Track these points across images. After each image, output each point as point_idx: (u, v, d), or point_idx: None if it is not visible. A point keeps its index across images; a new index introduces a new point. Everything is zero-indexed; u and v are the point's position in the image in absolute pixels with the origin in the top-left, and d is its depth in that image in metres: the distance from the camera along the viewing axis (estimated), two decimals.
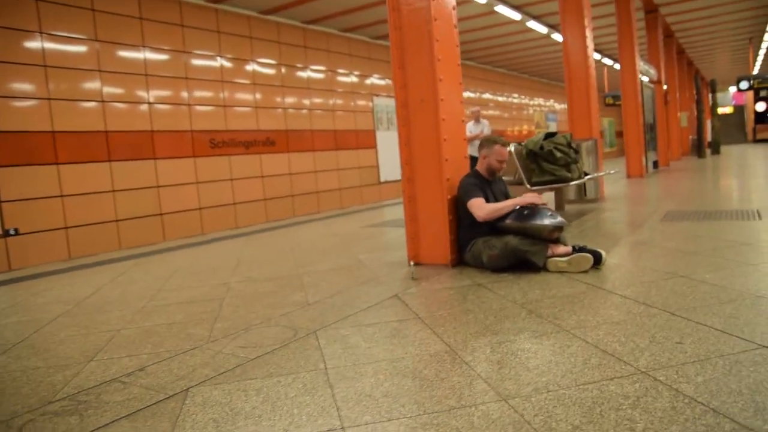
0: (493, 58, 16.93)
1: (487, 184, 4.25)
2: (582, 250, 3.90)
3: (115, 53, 7.95)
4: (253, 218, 9.87)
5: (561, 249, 3.93)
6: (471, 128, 10.47)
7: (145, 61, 8.30)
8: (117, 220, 7.99)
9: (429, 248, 4.39)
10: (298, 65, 10.88)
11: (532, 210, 3.97)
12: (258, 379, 2.40)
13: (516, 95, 20.31)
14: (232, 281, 4.46)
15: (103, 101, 7.81)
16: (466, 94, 16.66)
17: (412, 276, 4.01)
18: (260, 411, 2.08)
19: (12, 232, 6.94)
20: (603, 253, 3.87)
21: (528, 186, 5.16)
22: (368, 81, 12.51)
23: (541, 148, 5.10)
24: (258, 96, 10.01)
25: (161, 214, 8.53)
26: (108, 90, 7.85)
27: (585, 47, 8.40)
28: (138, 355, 2.82)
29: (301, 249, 5.97)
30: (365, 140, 12.33)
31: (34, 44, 7.10)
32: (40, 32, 7.15)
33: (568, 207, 7.29)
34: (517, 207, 4.02)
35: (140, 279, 4.91)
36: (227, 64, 9.47)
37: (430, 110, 4.22)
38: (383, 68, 12.78)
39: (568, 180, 5.16)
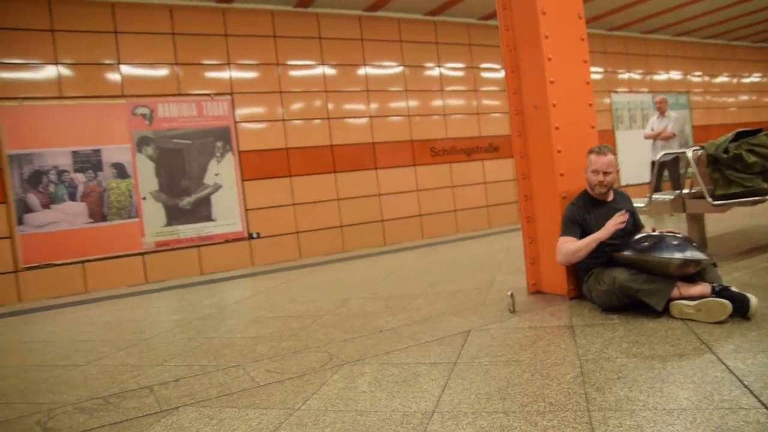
0: None
1: (595, 206, 3.48)
2: (724, 292, 2.94)
3: (338, 74, 8.74)
4: (475, 224, 9.81)
5: (694, 289, 3.03)
6: (653, 124, 8.15)
7: (366, 77, 8.93)
8: (341, 226, 8.79)
9: (549, 275, 3.82)
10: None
11: (654, 239, 3.13)
12: (237, 409, 2.45)
13: None
14: (355, 297, 4.57)
15: (328, 118, 8.67)
16: (750, 80, 13.73)
17: (509, 308, 3.55)
18: None
19: (255, 235, 8.22)
20: (752, 299, 2.85)
21: (710, 201, 4.03)
22: (603, 76, 11.28)
23: (726, 151, 3.93)
24: (480, 102, 9.90)
25: (382, 221, 9.08)
26: (333, 107, 8.67)
27: None
28: (191, 366, 3.14)
29: (456, 264, 5.78)
30: (601, 141, 11.13)
31: (273, 73, 8.26)
32: (277, 64, 8.29)
33: None
34: (618, 237, 3.23)
35: (292, 288, 5.38)
36: (446, 72, 9.59)
37: (542, 118, 3.66)
38: (621, 61, 11.41)
39: (765, 192, 3.87)
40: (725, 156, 3.92)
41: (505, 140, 10.18)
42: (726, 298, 2.88)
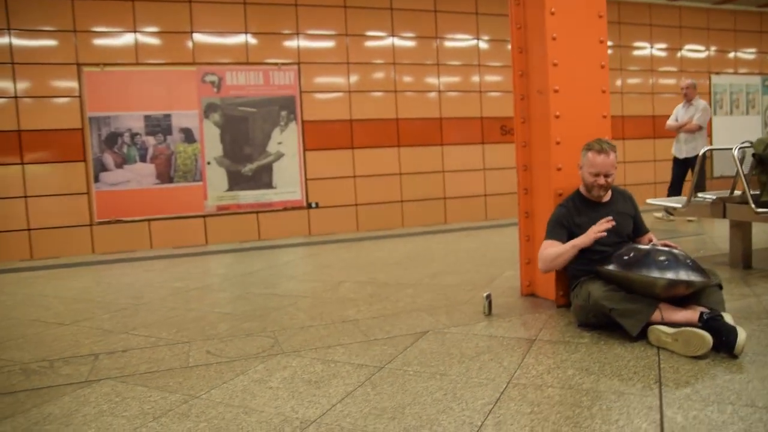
0: None
1: (589, 209, 3.06)
2: (712, 322, 2.49)
3: (408, 46, 8.51)
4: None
5: (679, 315, 2.60)
6: (678, 113, 6.92)
7: (438, 51, 8.61)
8: (402, 201, 8.66)
9: (542, 278, 3.47)
10: (609, 43, 9.50)
11: (639, 253, 2.72)
12: (147, 388, 2.46)
13: None
14: (352, 280, 4.45)
15: (395, 91, 8.48)
16: None
17: (484, 311, 3.26)
18: (78, 421, 2.16)
19: (313, 205, 8.31)
20: (741, 334, 2.39)
21: (754, 208, 3.42)
22: (703, 55, 10.05)
23: None
24: None
25: (445, 198, 8.84)
26: (400, 80, 8.47)
27: None
28: (150, 337, 3.20)
29: (479, 252, 5.52)
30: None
31: (342, 44, 8.17)
32: (346, 34, 8.20)
33: None
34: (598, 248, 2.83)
35: (306, 264, 5.38)
36: None
37: (543, 104, 3.27)
38: (728, 39, 10.08)
39: None
40: None
41: None
42: (711, 330, 2.45)
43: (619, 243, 3.00)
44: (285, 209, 8.21)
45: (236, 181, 8.04)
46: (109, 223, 7.49)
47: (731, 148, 3.61)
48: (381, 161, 8.52)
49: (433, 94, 8.70)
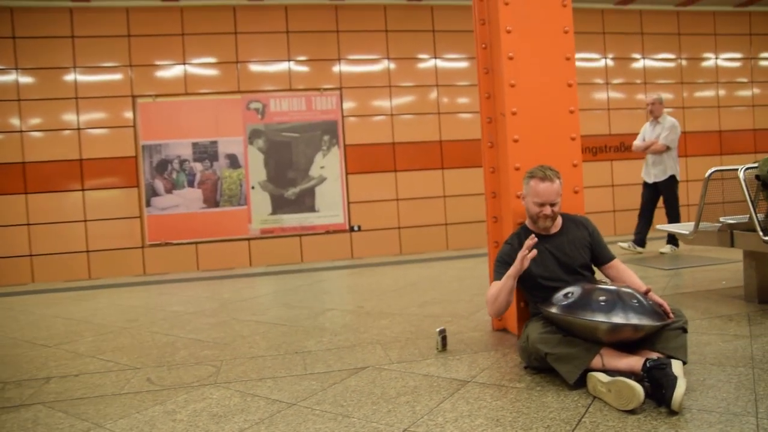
0: None
1: (540, 241, 2.77)
2: (655, 371, 2.17)
3: (451, 67, 8.39)
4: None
5: (622, 362, 2.31)
6: (646, 132, 6.03)
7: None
8: (446, 224, 8.50)
9: (510, 313, 3.21)
10: (669, 55, 8.87)
11: (578, 294, 2.44)
12: (66, 415, 2.50)
13: None
14: (339, 309, 4.37)
15: (439, 113, 8.36)
16: None
17: (436, 347, 3.06)
18: None
19: (356, 228, 8.33)
20: (678, 388, 2.06)
21: (761, 236, 2.98)
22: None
23: None
24: (611, 95, 8.73)
25: None
26: (444, 102, 8.37)
27: None
28: (109, 362, 3.29)
29: (484, 280, 5.16)
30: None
31: (383, 68, 8.21)
32: (388, 58, 8.21)
33: None
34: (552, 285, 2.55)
35: (310, 289, 5.33)
36: (579, 64, 8.59)
37: (501, 128, 3.06)
38: None
39: None
40: None
41: None
42: (652, 380, 2.15)
43: (572, 275, 2.73)
44: (327, 232, 8.27)
45: (279, 205, 8.21)
46: (159, 245, 7.87)
47: (737, 169, 3.19)
48: (424, 184, 8.42)
49: (477, 115, 8.48)
